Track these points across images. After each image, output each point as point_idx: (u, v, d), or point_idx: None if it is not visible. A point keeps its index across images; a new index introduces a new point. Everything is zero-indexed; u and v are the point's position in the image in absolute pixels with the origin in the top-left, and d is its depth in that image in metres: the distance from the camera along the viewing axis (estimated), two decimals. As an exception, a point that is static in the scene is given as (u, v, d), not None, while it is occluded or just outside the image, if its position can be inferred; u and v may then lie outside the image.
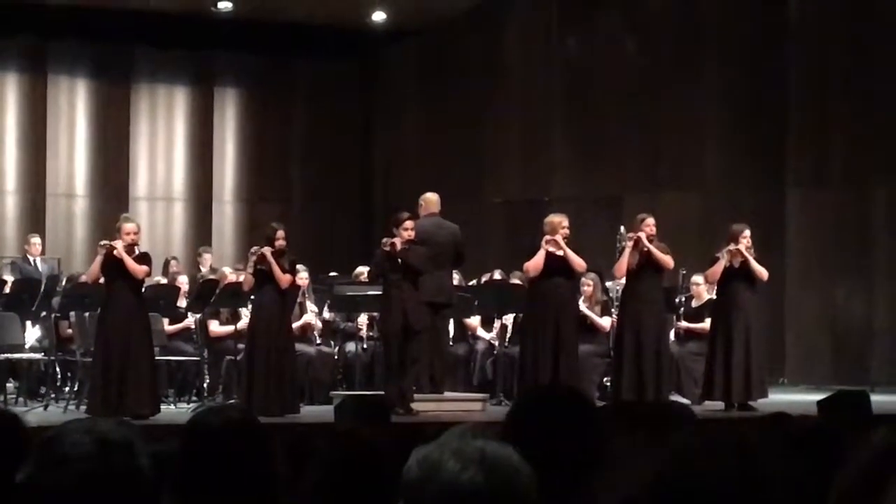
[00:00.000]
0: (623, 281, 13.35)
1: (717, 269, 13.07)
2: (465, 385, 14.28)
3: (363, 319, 14.37)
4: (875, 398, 6.66)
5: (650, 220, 13.08)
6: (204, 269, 16.73)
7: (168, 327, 14.06)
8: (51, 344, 13.64)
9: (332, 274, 16.45)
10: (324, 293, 14.81)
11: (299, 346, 13.28)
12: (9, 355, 13.35)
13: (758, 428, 4.25)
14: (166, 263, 16.73)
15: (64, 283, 14.64)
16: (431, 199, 13.30)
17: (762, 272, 13.11)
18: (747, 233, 13.13)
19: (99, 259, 11.87)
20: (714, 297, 13.93)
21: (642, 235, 12.91)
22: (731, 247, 13.02)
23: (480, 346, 14.62)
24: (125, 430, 2.50)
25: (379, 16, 19.68)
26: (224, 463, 2.98)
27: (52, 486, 2.38)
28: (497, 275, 15.60)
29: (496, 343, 14.37)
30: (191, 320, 14.20)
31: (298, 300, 13.99)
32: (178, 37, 19.80)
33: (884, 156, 17.03)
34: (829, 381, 15.92)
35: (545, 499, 2.65)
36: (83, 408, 12.04)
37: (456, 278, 14.22)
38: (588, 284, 13.93)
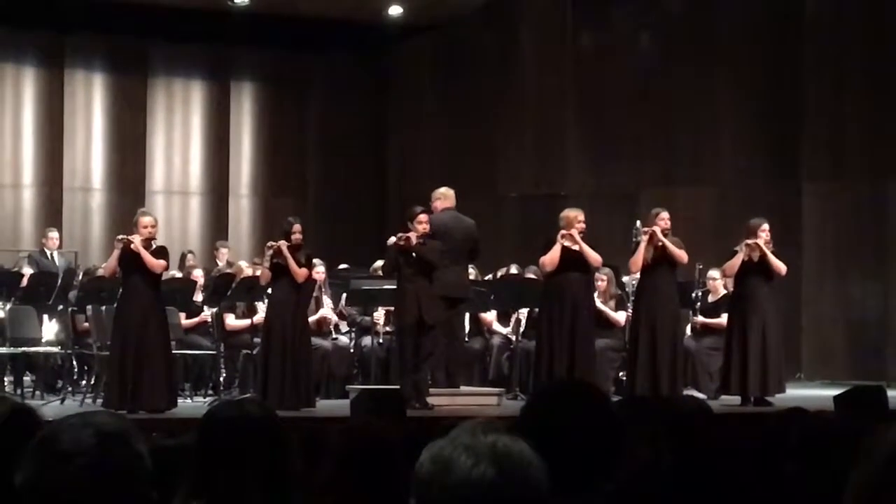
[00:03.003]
0: (638, 275, 13.33)
1: (735, 262, 13.03)
2: (481, 379, 14.29)
3: (379, 314, 14.38)
4: (892, 393, 6.64)
5: (665, 215, 13.06)
6: (220, 264, 16.76)
7: (184, 321, 14.08)
8: (67, 338, 13.67)
9: (341, 266, 16.47)
10: (340, 287, 14.83)
11: (315, 340, 13.31)
12: (26, 349, 13.39)
13: (775, 423, 4.25)
14: (183, 257, 16.75)
15: (81, 276, 14.67)
16: (447, 194, 13.30)
17: (780, 267, 13.07)
18: (766, 227, 13.09)
19: (116, 253, 11.88)
20: (731, 291, 13.91)
21: (657, 230, 12.89)
22: (750, 241, 12.98)
23: (496, 340, 14.62)
24: (119, 420, 2.51)
25: (395, 10, 19.68)
26: (241, 456, 2.98)
27: (60, 484, 2.38)
28: (513, 269, 15.60)
29: (512, 337, 14.37)
30: (207, 314, 14.23)
31: (315, 294, 14.01)
32: (195, 31, 19.83)
33: (900, 150, 17.00)
34: (845, 376, 15.89)
35: (561, 493, 2.65)
36: (100, 401, 12.08)
37: (472, 273, 14.21)
38: (602, 279, 13.92)
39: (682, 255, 12.97)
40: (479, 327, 14.77)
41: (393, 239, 12.33)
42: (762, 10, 18.16)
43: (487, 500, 2.15)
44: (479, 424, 2.24)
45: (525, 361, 13.85)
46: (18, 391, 13.20)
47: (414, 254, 12.02)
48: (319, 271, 14.10)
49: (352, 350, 14.44)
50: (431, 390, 12.25)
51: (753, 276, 13.01)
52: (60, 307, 13.80)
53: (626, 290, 14.51)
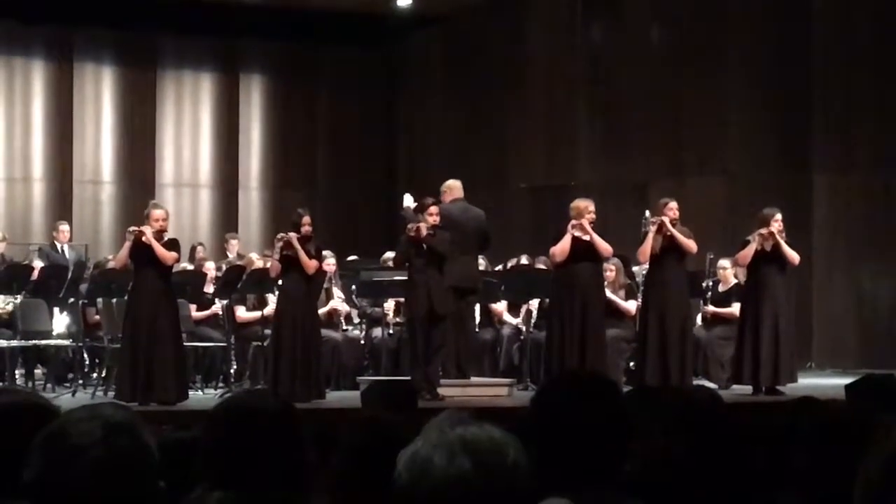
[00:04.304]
0: (647, 265, 13.32)
1: (748, 252, 13.02)
2: (492, 370, 14.29)
3: (390, 305, 14.39)
4: (903, 382, 6.61)
5: (673, 205, 13.05)
6: (230, 256, 16.78)
7: (195, 313, 14.10)
8: (78, 330, 13.69)
9: (351, 258, 16.48)
10: (350, 279, 14.83)
11: (325, 332, 13.32)
12: (37, 342, 13.41)
13: (786, 412, 4.24)
14: (193, 250, 16.78)
15: (91, 269, 14.69)
16: (455, 186, 13.32)
17: (794, 256, 13.05)
18: (779, 216, 13.07)
19: (127, 245, 11.89)
20: (741, 281, 13.91)
21: (665, 220, 12.88)
22: (764, 230, 12.97)
23: (507, 331, 14.62)
24: (126, 412, 2.51)
25: (404, 2, 19.66)
26: (260, 448, 2.97)
27: (68, 476, 2.38)
28: (523, 260, 15.59)
29: (522, 328, 14.37)
30: (218, 306, 14.24)
31: (325, 286, 14.02)
32: (204, 24, 19.84)
33: (911, 139, 16.95)
34: (856, 365, 15.87)
35: (572, 484, 2.65)
36: (111, 394, 12.10)
37: (482, 264, 14.21)
38: (610, 269, 13.90)
39: (690, 244, 12.96)
40: (490, 318, 14.77)
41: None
42: (771, 1, 18.12)
43: (470, 493, 2.14)
44: (446, 419, 2.23)
45: (536, 352, 13.85)
46: (29, 384, 13.21)
47: (424, 245, 12.03)
48: (330, 263, 14.11)
49: (362, 342, 14.44)
50: (442, 381, 12.26)
51: (766, 265, 13.00)
52: (71, 300, 13.82)
53: (636, 280, 14.50)
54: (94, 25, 19.58)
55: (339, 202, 20.66)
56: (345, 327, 14.44)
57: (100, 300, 13.38)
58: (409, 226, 12.21)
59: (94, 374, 13.61)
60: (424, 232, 12.01)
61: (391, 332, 14.33)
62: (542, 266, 14.58)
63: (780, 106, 17.90)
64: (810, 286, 17.19)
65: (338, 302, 14.35)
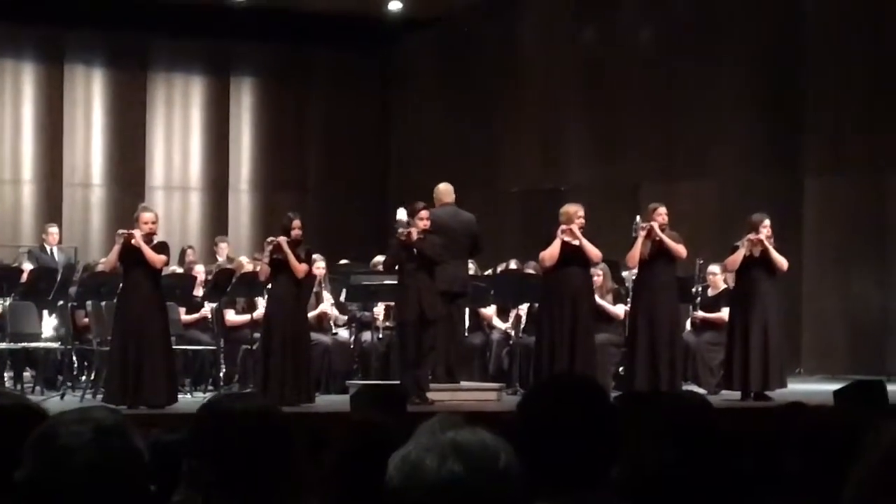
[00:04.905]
0: (636, 270, 13.34)
1: (737, 257, 13.05)
2: (481, 375, 14.29)
3: (379, 309, 14.38)
4: (892, 388, 6.63)
5: (662, 210, 13.07)
6: (220, 259, 16.75)
7: (184, 317, 14.08)
8: (67, 333, 13.67)
9: (341, 262, 16.48)
10: (340, 283, 14.83)
11: (315, 336, 13.32)
12: (26, 344, 13.39)
13: (775, 418, 4.24)
14: (182, 253, 16.75)
15: (80, 272, 14.67)
16: (444, 190, 13.31)
17: (782, 262, 13.09)
18: (767, 222, 13.11)
19: (117, 248, 11.88)
20: (730, 286, 13.92)
21: (654, 225, 12.90)
22: (752, 236, 12.99)
23: (496, 335, 14.62)
24: (117, 415, 2.51)
25: (395, 5, 19.67)
26: (241, 450, 2.97)
27: (59, 479, 2.38)
28: (513, 264, 15.59)
29: (512, 333, 14.38)
30: (207, 310, 14.23)
31: (315, 290, 14.01)
32: (195, 26, 19.82)
33: (901, 144, 16.97)
34: (845, 371, 15.88)
35: (559, 488, 2.65)
36: (100, 397, 12.08)
37: (472, 268, 14.21)
38: (598, 275, 13.91)
39: (680, 249, 12.97)
40: (479, 323, 14.77)
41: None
42: (764, 5, 18.15)
43: (461, 497, 2.14)
44: (437, 422, 2.23)
45: (525, 357, 13.85)
46: (18, 387, 13.19)
47: (415, 249, 12.04)
48: (320, 267, 14.11)
49: (352, 345, 14.44)
50: (432, 385, 12.25)
51: (755, 271, 13.03)
52: (60, 302, 13.80)
53: (626, 284, 14.51)
54: (84, 27, 19.55)
55: (330, 205, 20.65)
56: (334, 331, 14.43)
57: (89, 303, 13.37)
58: (400, 230, 12.23)
59: (83, 377, 13.58)
60: (415, 236, 12.02)
61: (381, 336, 14.33)
62: (531, 271, 14.58)
63: (771, 109, 17.92)
64: (800, 291, 17.21)
65: (327, 306, 14.34)
